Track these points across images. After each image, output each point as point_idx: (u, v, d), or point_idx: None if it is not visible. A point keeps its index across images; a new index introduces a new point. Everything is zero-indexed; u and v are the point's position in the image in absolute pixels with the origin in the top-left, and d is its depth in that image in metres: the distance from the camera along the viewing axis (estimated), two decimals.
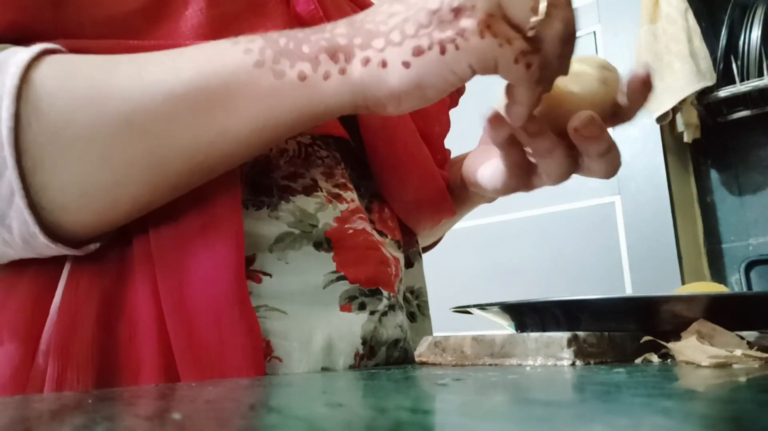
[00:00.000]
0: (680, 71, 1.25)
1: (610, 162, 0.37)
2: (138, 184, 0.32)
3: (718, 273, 1.42)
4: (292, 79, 0.32)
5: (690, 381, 0.23)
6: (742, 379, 0.22)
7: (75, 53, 0.33)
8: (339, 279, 0.40)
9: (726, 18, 1.32)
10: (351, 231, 0.41)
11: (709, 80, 1.26)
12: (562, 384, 0.23)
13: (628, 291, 1.29)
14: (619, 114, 0.37)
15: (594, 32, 1.40)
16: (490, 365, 0.33)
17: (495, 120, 0.36)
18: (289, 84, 0.32)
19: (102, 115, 0.30)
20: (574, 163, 0.38)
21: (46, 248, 0.32)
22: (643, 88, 0.36)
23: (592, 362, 0.31)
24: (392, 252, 0.46)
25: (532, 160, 0.39)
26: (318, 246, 0.40)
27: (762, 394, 0.19)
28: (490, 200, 0.56)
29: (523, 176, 0.41)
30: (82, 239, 0.33)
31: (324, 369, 0.38)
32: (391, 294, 0.44)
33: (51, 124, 0.30)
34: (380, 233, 0.46)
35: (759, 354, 0.29)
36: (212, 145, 0.32)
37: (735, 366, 0.27)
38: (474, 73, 0.31)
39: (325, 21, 0.41)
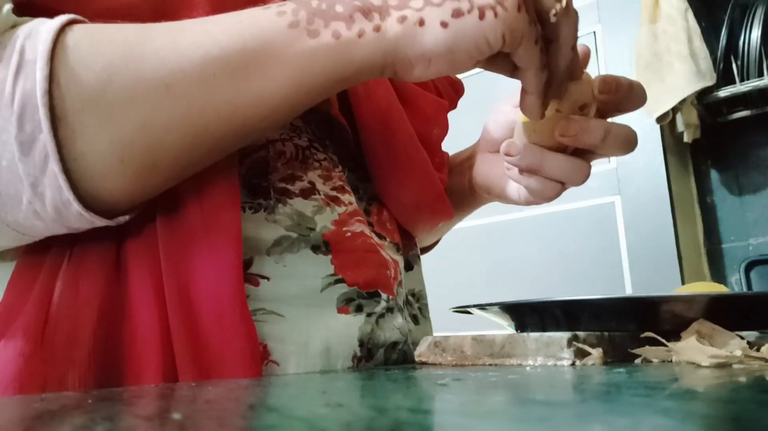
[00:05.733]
0: (680, 71, 1.25)
1: (626, 135, 0.40)
2: (176, 147, 0.32)
3: (718, 273, 1.42)
4: (326, 38, 0.32)
5: (690, 381, 0.23)
6: (742, 379, 0.22)
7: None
8: (337, 282, 0.40)
9: (726, 18, 1.32)
10: (349, 234, 0.41)
11: (709, 80, 1.26)
12: (562, 384, 0.23)
13: (628, 291, 1.29)
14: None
15: (594, 32, 1.40)
16: (490, 365, 0.33)
17: (512, 148, 0.41)
18: (324, 44, 0.32)
19: (140, 79, 0.30)
20: (587, 164, 0.42)
21: (78, 218, 0.31)
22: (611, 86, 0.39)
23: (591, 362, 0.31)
24: (391, 254, 0.46)
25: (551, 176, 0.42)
26: (316, 249, 0.39)
27: (762, 394, 0.19)
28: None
29: (549, 188, 0.43)
30: (115, 210, 0.33)
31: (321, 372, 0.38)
32: (390, 296, 0.43)
33: (89, 88, 0.30)
34: (379, 236, 0.46)
35: (759, 354, 0.29)
36: (249, 108, 0.32)
37: (735, 366, 0.27)
38: (502, 45, 0.33)
39: None
